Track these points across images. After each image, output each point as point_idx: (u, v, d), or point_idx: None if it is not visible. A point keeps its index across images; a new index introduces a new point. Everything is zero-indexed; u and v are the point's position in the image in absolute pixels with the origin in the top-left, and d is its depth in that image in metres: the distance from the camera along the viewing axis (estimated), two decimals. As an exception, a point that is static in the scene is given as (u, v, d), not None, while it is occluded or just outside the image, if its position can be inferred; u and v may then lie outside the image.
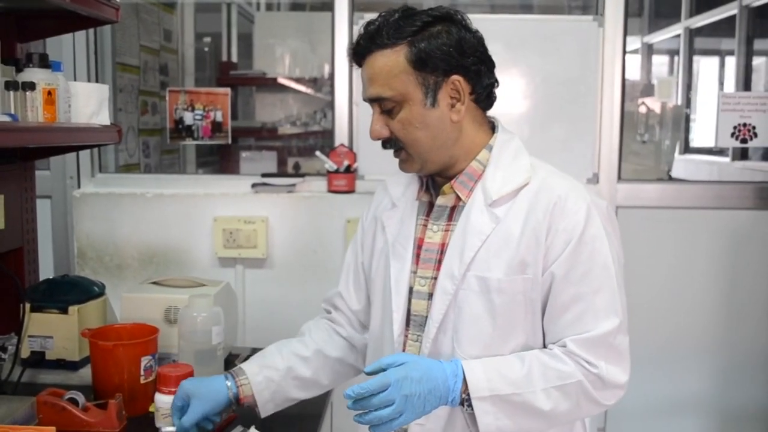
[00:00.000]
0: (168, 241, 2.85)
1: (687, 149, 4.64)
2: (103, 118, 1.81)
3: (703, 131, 4.80)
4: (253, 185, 2.86)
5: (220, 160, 3.97)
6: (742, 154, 4.09)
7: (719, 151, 4.53)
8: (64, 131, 1.63)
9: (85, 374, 1.62)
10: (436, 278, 1.37)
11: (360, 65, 1.37)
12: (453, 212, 1.40)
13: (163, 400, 1.49)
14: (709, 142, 4.67)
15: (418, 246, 1.42)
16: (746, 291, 2.97)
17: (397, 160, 1.44)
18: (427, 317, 1.37)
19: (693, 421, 3.04)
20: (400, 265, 1.41)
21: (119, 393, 1.50)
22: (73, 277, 1.91)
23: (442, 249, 1.38)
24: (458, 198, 1.39)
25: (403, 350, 1.40)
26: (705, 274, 2.96)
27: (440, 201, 1.41)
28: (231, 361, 1.98)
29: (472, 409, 1.25)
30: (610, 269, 1.32)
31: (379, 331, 1.47)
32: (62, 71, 1.65)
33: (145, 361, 1.59)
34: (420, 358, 1.27)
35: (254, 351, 2.12)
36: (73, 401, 1.47)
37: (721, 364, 3.01)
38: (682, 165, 4.47)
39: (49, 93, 1.57)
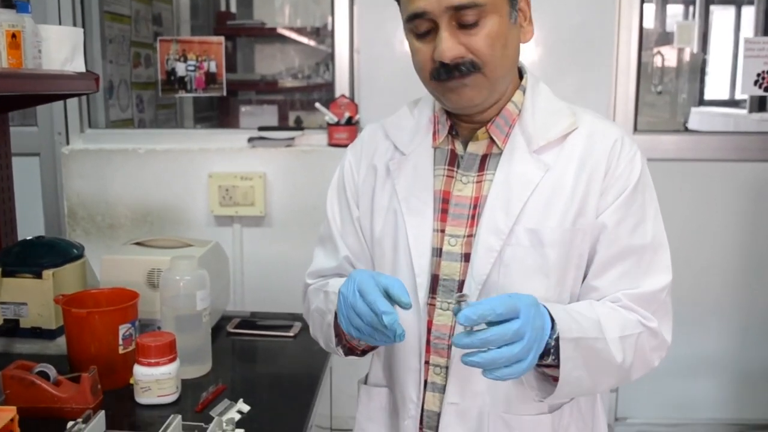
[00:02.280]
0: (162, 199, 2.73)
1: (702, 101, 4.49)
2: (78, 65, 1.67)
3: (719, 83, 4.63)
4: (250, 139, 2.73)
5: (218, 114, 3.84)
6: (760, 106, 3.95)
7: (734, 103, 4.38)
8: (33, 78, 1.49)
9: (64, 343, 1.50)
10: (471, 236, 1.19)
11: None
12: (485, 161, 1.22)
13: (142, 372, 1.37)
14: (724, 94, 4.53)
15: (443, 200, 1.23)
16: (765, 246, 2.86)
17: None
18: (463, 281, 1.19)
19: (709, 381, 2.96)
20: (418, 222, 1.21)
21: (94, 365, 1.38)
22: (50, 239, 1.77)
23: (476, 203, 1.20)
24: (491, 145, 1.22)
25: (431, 321, 1.21)
26: (724, 229, 2.85)
27: (471, 148, 1.23)
28: (222, 327, 1.87)
29: (550, 358, 1.07)
30: (659, 220, 1.21)
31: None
32: (29, 12, 1.51)
33: (123, 329, 1.46)
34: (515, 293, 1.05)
35: (253, 315, 2.02)
36: (44, 375, 1.35)
37: (739, 323, 2.93)
38: (696, 118, 4.32)
39: (14, 36, 1.42)
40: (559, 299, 1.18)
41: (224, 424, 1.25)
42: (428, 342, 1.21)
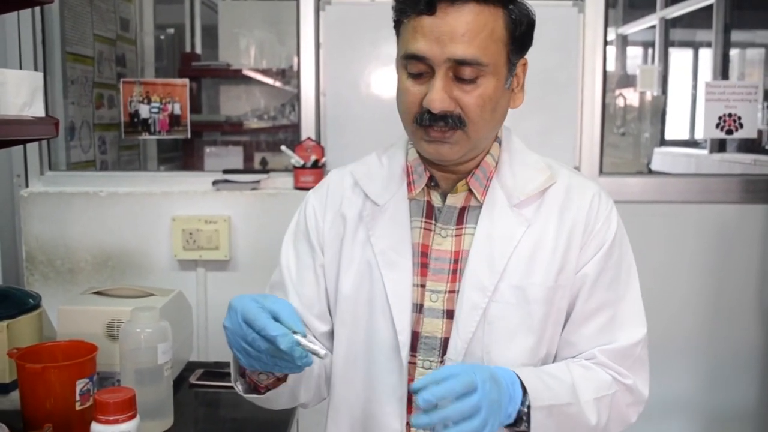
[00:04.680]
0: (124, 244, 2.67)
1: (663, 142, 4.57)
2: (37, 110, 1.61)
3: (678, 123, 4.72)
4: (215, 182, 2.68)
5: (183, 156, 3.80)
6: (720, 147, 4.02)
7: (694, 144, 4.47)
8: (-11, 124, 1.44)
9: (18, 398, 1.43)
10: (453, 291, 1.16)
11: (433, 10, 1.07)
12: (463, 214, 1.20)
13: (100, 431, 1.31)
14: (684, 134, 4.61)
15: (422, 253, 1.19)
16: (733, 287, 2.89)
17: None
18: (447, 338, 1.15)
19: (680, 423, 2.95)
20: (397, 276, 1.17)
21: (49, 423, 1.32)
22: (4, 288, 1.71)
23: (457, 257, 1.17)
24: (469, 197, 1.20)
25: (411, 380, 1.15)
26: (691, 271, 2.86)
27: (450, 200, 1.20)
28: (185, 378, 1.81)
29: (523, 425, 1.05)
30: (634, 275, 1.23)
31: (364, 360, 1.18)
32: (-14, 56, 1.47)
33: (81, 384, 1.40)
34: (473, 365, 1.05)
35: (216, 365, 1.96)
36: (-5, 434, 1.29)
37: (707, 364, 2.93)
38: (659, 158, 4.39)
39: (-31, 80, 1.38)
40: (539, 356, 1.16)
41: (186, 486, 1.19)
42: (409, 401, 1.17)
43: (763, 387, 2.99)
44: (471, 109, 1.10)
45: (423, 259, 1.19)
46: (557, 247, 1.16)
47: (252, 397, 1.18)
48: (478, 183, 1.19)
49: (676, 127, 4.73)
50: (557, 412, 1.07)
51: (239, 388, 1.18)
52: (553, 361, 1.20)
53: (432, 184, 1.22)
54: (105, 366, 1.57)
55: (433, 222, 1.20)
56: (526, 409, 1.04)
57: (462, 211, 1.20)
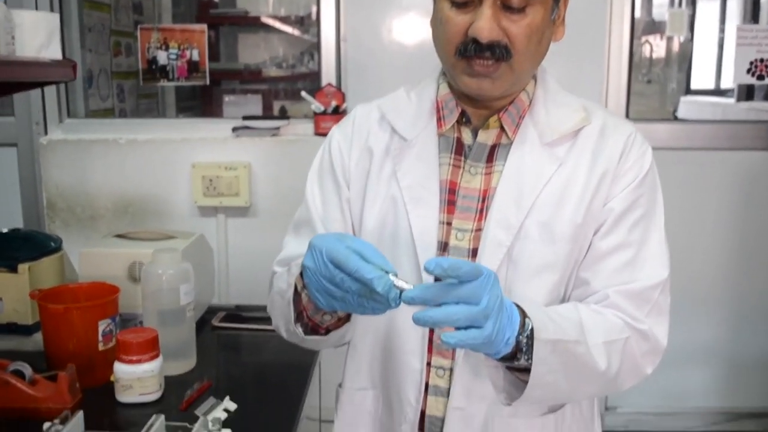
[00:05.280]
0: (144, 190, 2.66)
1: (688, 90, 4.47)
2: (54, 52, 1.59)
3: (704, 72, 4.61)
4: (234, 129, 2.66)
5: (201, 104, 3.77)
6: (747, 95, 3.93)
7: (719, 93, 4.37)
8: (5, 65, 1.41)
9: (41, 339, 1.44)
10: (479, 230, 1.12)
11: None
12: (493, 152, 1.15)
13: (123, 370, 1.31)
14: (709, 84, 4.51)
15: (450, 191, 1.15)
16: (758, 235, 2.85)
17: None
18: None
19: (700, 370, 2.94)
20: (423, 213, 1.13)
21: (72, 363, 1.32)
22: (26, 231, 1.71)
23: (485, 196, 1.13)
24: (501, 134, 1.15)
25: None
26: (716, 218, 2.82)
27: (481, 137, 1.15)
28: (207, 321, 1.81)
29: (522, 358, 0.99)
30: (661, 219, 1.16)
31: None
32: (2, -4, 1.44)
33: (103, 325, 1.40)
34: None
35: (238, 308, 1.96)
36: (19, 373, 1.29)
37: (730, 312, 2.91)
38: (684, 107, 4.30)
39: (-16, 19, 1.35)
40: (559, 296, 1.13)
41: (210, 424, 1.19)
42: (430, 341, 1.14)
43: (785, 335, 2.98)
44: (519, 39, 1.05)
45: (450, 197, 1.15)
46: (588, 187, 1.11)
47: (312, 338, 1.13)
48: (511, 120, 1.15)
49: (702, 76, 4.62)
50: (563, 349, 1.01)
51: (299, 330, 1.12)
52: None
53: (463, 120, 1.17)
54: (127, 308, 1.57)
55: (463, 159, 1.16)
56: (525, 340, 0.99)
57: (493, 148, 1.15)
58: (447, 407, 1.13)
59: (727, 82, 4.12)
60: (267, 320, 1.83)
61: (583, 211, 1.11)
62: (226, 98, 3.55)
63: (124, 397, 1.34)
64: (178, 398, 1.37)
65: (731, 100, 4.00)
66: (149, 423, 1.14)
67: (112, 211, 2.67)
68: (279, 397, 1.43)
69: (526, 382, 1.01)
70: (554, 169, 1.12)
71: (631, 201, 1.12)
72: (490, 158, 1.15)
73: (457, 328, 0.89)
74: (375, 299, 0.92)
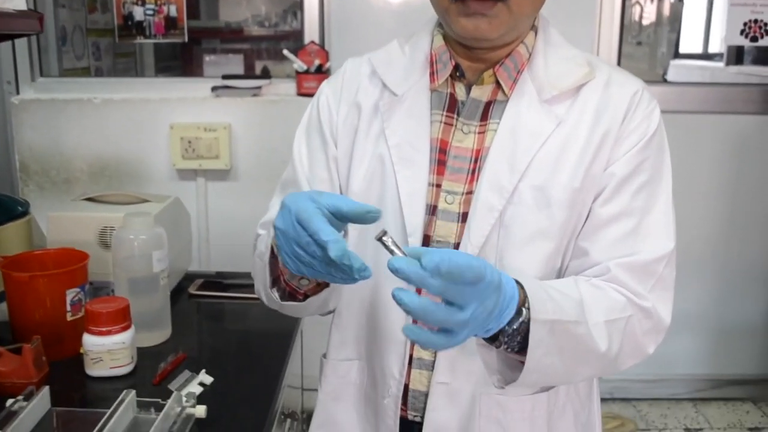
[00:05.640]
0: (121, 153, 2.58)
1: (676, 54, 4.41)
2: (19, 2, 1.50)
3: (692, 36, 4.54)
4: (214, 88, 2.57)
5: (181, 65, 3.66)
6: (737, 59, 3.89)
7: (707, 57, 4.32)
8: (-37, 15, 1.33)
9: (6, 309, 1.37)
10: (470, 193, 1.05)
11: None
12: (488, 109, 1.07)
13: (92, 342, 1.24)
14: (697, 48, 4.45)
15: (440, 150, 1.07)
16: (748, 200, 2.83)
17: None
18: (458, 243, 1.04)
19: (687, 337, 2.93)
20: (411, 174, 1.05)
21: (38, 335, 1.25)
22: (-10, 194, 1.63)
23: (477, 156, 1.05)
24: (497, 90, 1.07)
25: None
26: (706, 184, 2.79)
27: (475, 93, 1.07)
28: (184, 289, 1.74)
29: (518, 338, 0.91)
30: (668, 185, 1.07)
31: (372, 263, 0.95)
32: (-42, -60, 1.34)
33: (71, 294, 1.33)
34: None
35: (219, 274, 1.90)
36: (-19, 345, 1.22)
37: (718, 277, 2.89)
38: (673, 70, 4.23)
39: (-61, -34, 1.26)
40: (555, 267, 1.05)
41: (184, 400, 1.13)
42: None
43: (773, 301, 2.97)
44: None
45: (441, 156, 1.07)
46: (588, 148, 1.03)
47: (289, 304, 1.06)
48: (507, 74, 1.06)
49: (690, 39, 4.55)
50: (561, 330, 0.93)
51: (275, 295, 1.05)
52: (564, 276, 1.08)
53: (457, 74, 1.09)
54: (99, 276, 1.49)
55: (455, 116, 1.08)
56: (522, 319, 0.90)
57: (488, 105, 1.07)
58: (431, 381, 1.07)
59: (715, 46, 4.06)
60: (247, 287, 1.78)
61: (582, 175, 1.03)
62: (207, 58, 3.45)
63: (93, 370, 1.27)
64: (152, 371, 1.30)
65: (720, 64, 3.96)
66: (119, 399, 1.08)
67: (87, 174, 2.59)
68: (259, 368, 1.37)
69: (521, 362, 0.94)
70: (552, 129, 1.04)
71: (635, 165, 1.04)
72: (484, 116, 1.07)
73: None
74: (340, 267, 0.83)
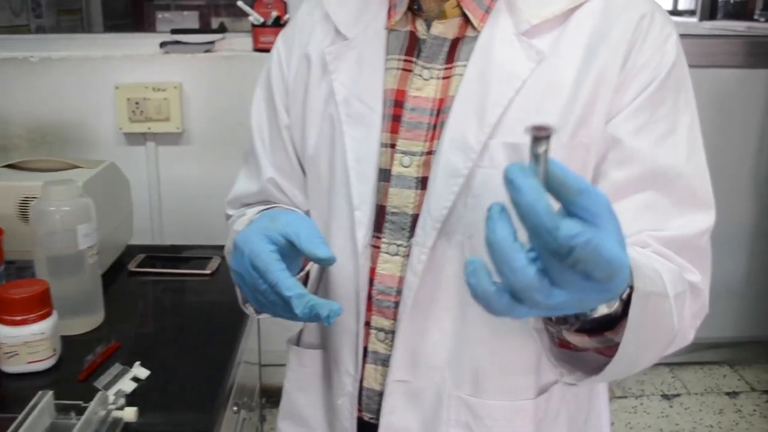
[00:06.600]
0: (62, 116, 2.37)
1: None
2: None
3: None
4: (162, 44, 2.37)
5: (133, 23, 3.46)
6: (711, 15, 3.81)
7: (676, 13, 4.26)
8: None
9: None
10: (431, 152, 0.86)
11: None
12: (455, 48, 0.87)
13: (6, 334, 1.07)
14: (667, 4, 4.33)
15: (395, 103, 0.88)
16: (729, 158, 2.73)
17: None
18: (416, 216, 0.86)
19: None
20: (360, 134, 0.88)
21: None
22: None
23: (440, 108, 0.86)
24: (465, 25, 0.87)
25: (373, 269, 0.89)
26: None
27: (437, 29, 0.88)
28: (122, 267, 1.56)
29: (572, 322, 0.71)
30: (698, 135, 0.87)
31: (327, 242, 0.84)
32: None
33: (-19, 277, 1.17)
34: None
35: (173, 248, 1.73)
36: None
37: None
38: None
39: None
40: None
41: (111, 400, 0.97)
42: (369, 297, 0.90)
43: (751, 261, 2.89)
44: None
45: (396, 110, 0.88)
46: (580, 91, 0.81)
47: (265, 316, 0.91)
48: (476, 3, 0.86)
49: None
50: (653, 306, 0.70)
51: (249, 309, 0.94)
52: None
53: (414, 7, 0.90)
54: (21, 254, 1.31)
55: (415, 60, 0.89)
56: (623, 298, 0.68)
57: (454, 44, 0.87)
58: (386, 379, 0.90)
59: (684, 1, 3.99)
60: (197, 261, 1.62)
61: (571, 127, 0.82)
62: (159, 15, 3.26)
63: (8, 366, 1.10)
64: (79, 365, 1.13)
65: (693, 20, 3.88)
66: (31, 403, 0.92)
67: (26, 140, 2.38)
68: (205, 357, 1.21)
69: (570, 348, 0.77)
70: (531, 68, 0.82)
71: (650, 113, 0.82)
72: (450, 58, 0.87)
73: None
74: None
